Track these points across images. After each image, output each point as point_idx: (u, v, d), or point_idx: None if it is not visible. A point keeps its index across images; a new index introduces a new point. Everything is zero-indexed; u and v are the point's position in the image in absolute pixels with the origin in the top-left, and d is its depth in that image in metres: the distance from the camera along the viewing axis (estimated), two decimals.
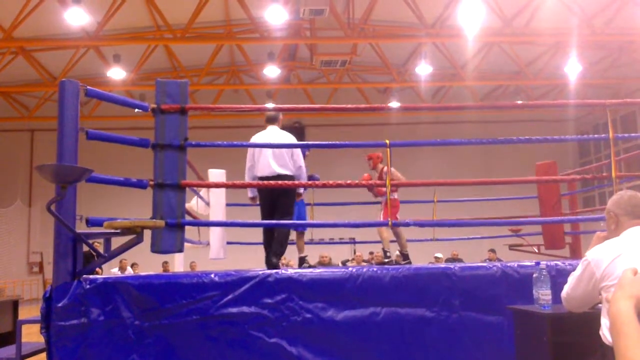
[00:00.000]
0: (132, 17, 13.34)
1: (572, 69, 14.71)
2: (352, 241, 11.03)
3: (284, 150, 4.67)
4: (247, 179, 4.80)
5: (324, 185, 4.95)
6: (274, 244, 4.65)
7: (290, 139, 4.77)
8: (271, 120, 4.89)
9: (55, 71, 15.36)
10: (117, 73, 14.80)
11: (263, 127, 4.92)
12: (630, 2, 12.43)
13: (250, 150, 4.83)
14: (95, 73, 15.40)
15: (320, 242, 7.54)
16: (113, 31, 13.39)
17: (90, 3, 11.93)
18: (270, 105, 5.07)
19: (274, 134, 4.80)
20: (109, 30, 13.11)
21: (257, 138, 4.84)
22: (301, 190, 5.07)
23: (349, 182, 4.08)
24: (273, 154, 4.62)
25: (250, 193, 4.99)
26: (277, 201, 4.66)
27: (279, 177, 4.59)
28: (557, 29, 13.19)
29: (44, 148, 18.13)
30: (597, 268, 2.15)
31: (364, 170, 6.33)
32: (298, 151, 4.81)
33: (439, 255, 11.70)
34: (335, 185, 4.67)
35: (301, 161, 4.80)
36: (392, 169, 5.52)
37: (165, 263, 12.34)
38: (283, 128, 4.95)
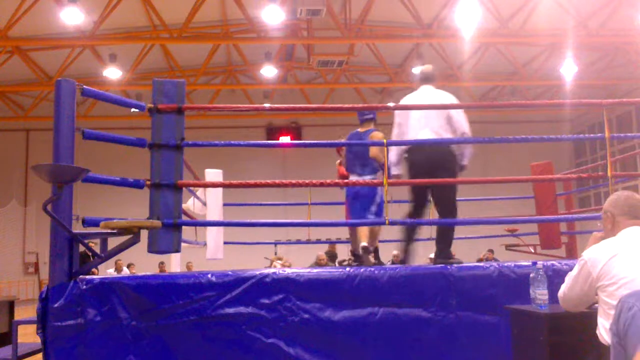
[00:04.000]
0: (128, 17, 13.30)
1: (568, 70, 14.77)
2: (349, 241, 11.04)
3: (440, 112, 3.90)
4: (394, 155, 4.12)
5: (321, 185, 4.95)
6: (443, 238, 4.09)
7: (450, 99, 4.02)
8: (425, 79, 4.27)
9: (51, 71, 15.31)
10: (113, 73, 14.77)
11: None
12: (625, 3, 12.48)
13: (396, 118, 4.17)
14: (91, 73, 15.35)
15: (317, 242, 7.53)
16: (109, 30, 13.35)
17: (86, 2, 11.89)
18: (420, 68, 4.45)
19: (428, 94, 4.09)
20: (105, 29, 13.07)
21: (408, 99, 4.18)
22: (465, 161, 4.16)
23: (346, 181, 4.08)
24: (426, 118, 3.92)
25: (395, 170, 4.16)
26: (435, 177, 3.82)
27: (432, 147, 3.87)
28: (552, 30, 13.24)
29: (40, 148, 18.06)
30: (594, 268, 2.17)
31: None
32: (459, 112, 3.97)
33: (433, 255, 11.70)
34: (333, 184, 4.67)
35: (465, 126, 3.96)
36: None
37: (161, 263, 12.32)
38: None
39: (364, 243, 4.74)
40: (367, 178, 4.87)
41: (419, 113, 3.99)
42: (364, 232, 4.83)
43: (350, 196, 4.94)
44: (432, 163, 3.88)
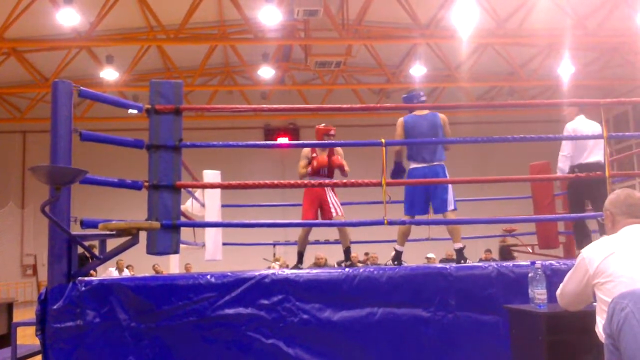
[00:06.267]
0: (124, 18, 13.27)
1: (566, 70, 14.80)
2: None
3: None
4: (566, 166, 4.97)
5: (320, 185, 4.95)
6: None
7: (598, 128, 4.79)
8: (581, 110, 5.04)
9: (47, 72, 15.26)
10: (109, 74, 14.72)
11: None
12: (622, 3, 12.51)
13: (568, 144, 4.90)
14: (87, 74, 15.32)
15: (316, 242, 7.52)
16: (105, 32, 13.32)
17: (82, 3, 11.86)
18: None
19: (588, 123, 4.97)
20: (101, 30, 13.04)
21: (579, 123, 4.94)
22: None
23: (344, 181, 4.08)
24: (594, 141, 4.76)
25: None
26: (595, 189, 4.51)
27: (593, 164, 4.69)
28: (550, 30, 13.26)
29: (37, 150, 18.00)
30: (591, 265, 2.19)
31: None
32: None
33: (431, 255, 11.71)
34: (332, 184, 4.67)
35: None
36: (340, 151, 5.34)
37: (156, 265, 12.28)
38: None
39: (459, 244, 4.54)
40: (438, 164, 4.63)
41: (593, 140, 4.80)
42: (457, 232, 4.63)
43: (412, 187, 4.60)
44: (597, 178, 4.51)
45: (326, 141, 5.27)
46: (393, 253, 4.83)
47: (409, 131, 4.68)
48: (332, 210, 5.23)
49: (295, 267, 5.28)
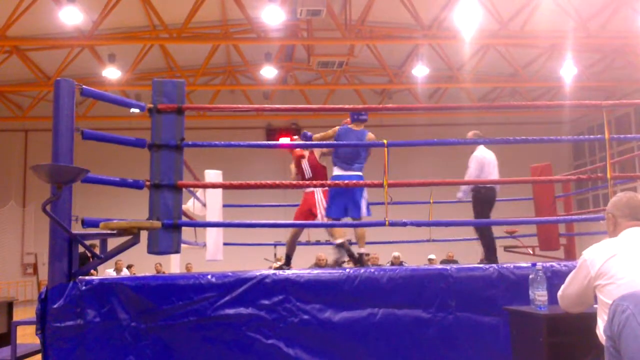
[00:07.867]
0: (127, 17, 13.29)
1: (568, 72, 14.77)
2: (348, 242, 11.03)
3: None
4: (467, 189, 5.60)
5: (322, 185, 4.95)
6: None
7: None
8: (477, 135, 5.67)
9: (50, 71, 15.28)
10: (112, 73, 14.73)
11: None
12: (625, 5, 12.50)
13: (481, 163, 5.57)
14: (90, 73, 15.32)
15: (317, 243, 7.52)
16: (108, 30, 13.33)
17: (85, 2, 11.87)
18: None
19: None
20: (104, 29, 13.05)
21: None
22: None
23: (346, 182, 4.08)
24: (495, 167, 5.63)
25: (462, 195, 5.73)
26: (491, 204, 5.45)
27: (493, 187, 5.44)
28: (553, 31, 13.25)
29: (38, 148, 18.02)
30: (592, 267, 2.19)
31: None
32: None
33: (432, 256, 11.70)
34: (333, 185, 4.67)
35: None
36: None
37: (158, 264, 12.29)
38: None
39: (364, 250, 4.98)
40: (357, 174, 5.04)
41: (496, 167, 5.62)
42: (364, 238, 5.09)
43: (334, 190, 5.04)
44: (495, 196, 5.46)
45: (327, 142, 5.26)
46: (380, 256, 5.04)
47: (337, 139, 5.13)
48: (319, 214, 5.32)
49: (280, 268, 5.28)
